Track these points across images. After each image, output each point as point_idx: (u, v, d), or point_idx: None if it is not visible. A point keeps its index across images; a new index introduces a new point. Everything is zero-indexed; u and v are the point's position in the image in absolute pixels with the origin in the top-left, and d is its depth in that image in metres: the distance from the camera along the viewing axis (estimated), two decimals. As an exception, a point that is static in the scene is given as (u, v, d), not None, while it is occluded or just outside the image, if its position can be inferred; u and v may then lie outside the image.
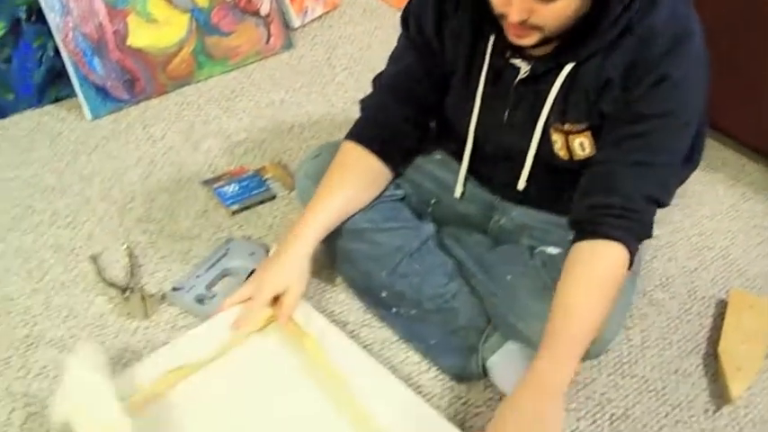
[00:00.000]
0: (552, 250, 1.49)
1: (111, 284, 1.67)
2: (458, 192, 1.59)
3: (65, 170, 2.00)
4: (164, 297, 1.65)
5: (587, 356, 1.48)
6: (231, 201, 1.88)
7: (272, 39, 2.44)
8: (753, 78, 1.99)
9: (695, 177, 1.99)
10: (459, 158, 1.56)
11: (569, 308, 1.29)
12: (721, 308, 1.71)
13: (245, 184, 1.93)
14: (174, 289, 1.64)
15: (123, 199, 1.91)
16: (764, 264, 1.85)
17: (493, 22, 1.30)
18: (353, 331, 1.60)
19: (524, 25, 1.22)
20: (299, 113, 2.25)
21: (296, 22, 2.57)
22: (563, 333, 1.28)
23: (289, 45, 2.51)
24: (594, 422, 1.48)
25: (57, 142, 2.10)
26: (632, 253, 1.32)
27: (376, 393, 1.37)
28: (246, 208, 1.88)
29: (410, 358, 1.56)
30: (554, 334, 1.28)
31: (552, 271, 1.39)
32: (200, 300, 1.61)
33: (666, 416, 1.50)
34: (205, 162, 2.04)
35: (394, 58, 1.57)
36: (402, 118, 1.54)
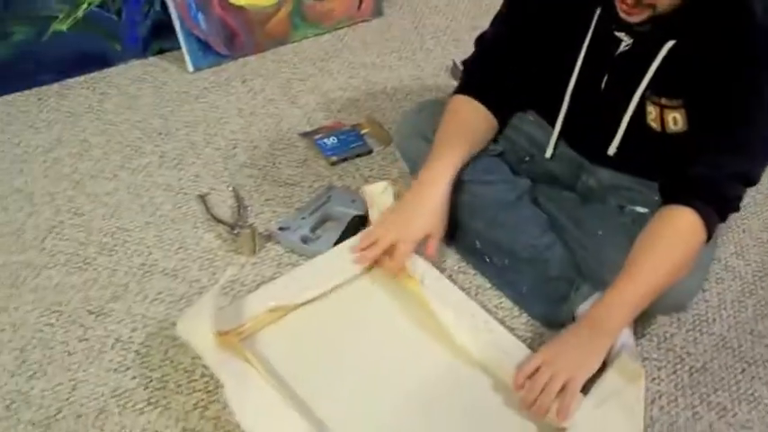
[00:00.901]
0: (641, 209, 1.54)
1: (220, 221, 1.74)
2: (549, 152, 1.63)
3: (169, 117, 2.09)
4: (270, 236, 1.72)
5: (669, 310, 1.57)
6: (331, 152, 1.95)
7: (363, 5, 2.51)
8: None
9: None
10: (553, 120, 1.61)
11: (636, 265, 1.36)
12: (796, 277, 1.76)
13: (343, 137, 1.99)
14: (281, 229, 1.70)
15: (227, 145, 1.99)
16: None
17: None
18: (450, 276, 1.65)
19: (638, 2, 1.27)
20: (390, 76, 2.31)
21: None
22: (625, 287, 1.36)
23: (379, 12, 2.57)
24: (675, 372, 1.53)
25: (161, 91, 2.19)
26: (710, 224, 1.37)
27: (473, 331, 1.46)
28: (344, 160, 1.95)
29: (503, 304, 1.61)
30: (617, 286, 1.36)
31: (641, 228, 1.43)
32: (304, 240, 1.68)
33: (743, 371, 1.55)
34: (303, 116, 2.11)
35: (498, 19, 1.61)
36: (504, 76, 1.59)
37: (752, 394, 1.52)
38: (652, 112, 1.44)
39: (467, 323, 1.48)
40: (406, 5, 2.67)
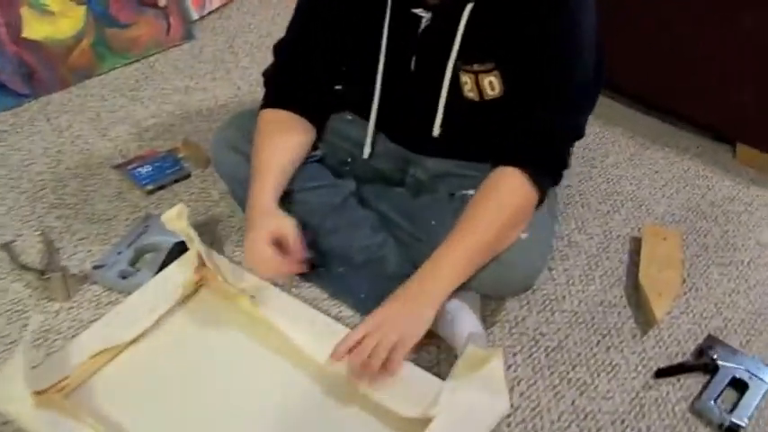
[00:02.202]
0: (471, 192, 1.46)
1: (28, 269, 1.55)
2: (366, 151, 1.54)
3: (-35, 166, 1.88)
4: (85, 277, 1.54)
5: (516, 291, 1.49)
6: (146, 181, 1.78)
7: (171, 30, 2.36)
8: (644, 34, 2.04)
9: (597, 132, 2.05)
10: (368, 116, 1.51)
11: (459, 229, 1.30)
12: (635, 244, 1.73)
13: (158, 164, 1.83)
14: (96, 267, 1.53)
15: (33, 188, 1.79)
16: (669, 203, 1.88)
17: None
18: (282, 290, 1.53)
19: None
20: (205, 98, 2.18)
21: (195, 14, 2.50)
22: (449, 250, 1.29)
23: (190, 36, 2.43)
24: (531, 356, 1.46)
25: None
26: (539, 182, 1.32)
27: (316, 338, 1.34)
28: (161, 187, 1.79)
29: (342, 313, 1.51)
30: (440, 250, 1.29)
31: None
32: (123, 275, 1.51)
33: (598, 344, 1.50)
34: (115, 148, 1.94)
35: (292, 24, 1.51)
36: (308, 79, 1.48)
37: (609, 364, 1.48)
38: (467, 81, 1.37)
39: (307, 331, 1.37)
40: (219, 26, 2.55)
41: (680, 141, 2.11)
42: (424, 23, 1.35)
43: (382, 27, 1.38)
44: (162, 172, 1.82)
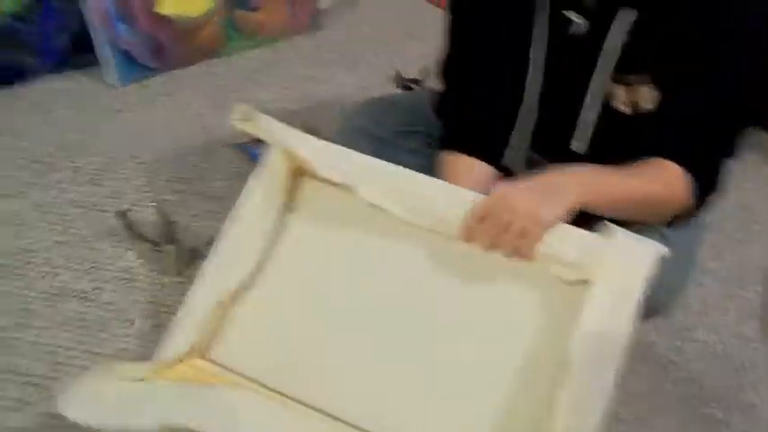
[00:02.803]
0: None
1: (143, 239, 1.52)
2: (508, 157, 1.42)
3: (88, 131, 1.86)
4: (199, 252, 1.50)
5: (650, 314, 1.37)
6: (264, 159, 1.75)
7: (299, 16, 2.32)
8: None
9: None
10: (507, 123, 1.37)
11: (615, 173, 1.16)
12: (772, 278, 1.60)
13: (277, 145, 1.79)
14: (210, 243, 1.50)
15: (151, 160, 1.77)
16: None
17: None
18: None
19: None
20: (329, 89, 2.13)
21: (324, 2, 2.47)
22: (600, 172, 1.14)
23: (316, 24, 2.39)
24: (660, 385, 1.35)
25: (79, 105, 1.96)
26: (697, 188, 1.19)
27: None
28: (280, 167, 1.75)
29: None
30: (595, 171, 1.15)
31: None
32: (237, 254, 1.47)
33: (732, 380, 1.38)
34: (234, 128, 1.91)
35: (454, 40, 1.38)
36: (486, 111, 1.35)
37: (746, 404, 1.34)
38: (621, 93, 1.26)
39: (427, 206, 1.13)
40: (346, 18, 2.51)
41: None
42: (575, 28, 1.24)
43: (531, 30, 1.28)
44: (280, 152, 1.77)
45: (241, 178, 1.68)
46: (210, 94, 2.05)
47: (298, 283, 1.17)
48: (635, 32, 1.19)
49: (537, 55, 1.29)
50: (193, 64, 2.15)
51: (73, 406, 1.00)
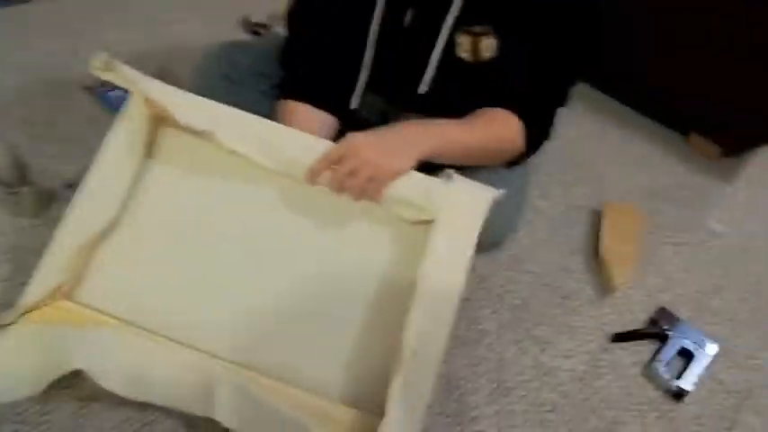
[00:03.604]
0: None
1: (-3, 181, 1.49)
2: (355, 102, 1.50)
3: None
4: (54, 194, 1.49)
5: (487, 247, 1.50)
6: (118, 105, 1.71)
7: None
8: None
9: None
10: (355, 66, 1.45)
11: (467, 120, 1.29)
12: (595, 217, 1.77)
13: (132, 90, 1.78)
14: (69, 186, 1.49)
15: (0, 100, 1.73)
16: (628, 181, 1.93)
17: None
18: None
19: None
20: (176, 31, 2.12)
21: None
22: (447, 123, 1.26)
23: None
24: (496, 311, 1.49)
25: None
26: (529, 136, 1.33)
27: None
28: (135, 113, 1.74)
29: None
30: (440, 121, 1.27)
31: None
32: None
33: (558, 306, 1.54)
34: (85, 69, 1.86)
35: None
36: (329, 62, 1.41)
37: (569, 326, 1.51)
38: (464, 42, 1.35)
39: (283, 152, 1.21)
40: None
41: (638, 124, 2.17)
42: None
43: None
44: (135, 98, 1.76)
45: (94, 121, 1.69)
46: (59, 33, 1.99)
47: (159, 226, 1.22)
48: None
49: (380, 4, 1.35)
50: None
51: None
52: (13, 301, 1.15)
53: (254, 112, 1.41)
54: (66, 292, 1.17)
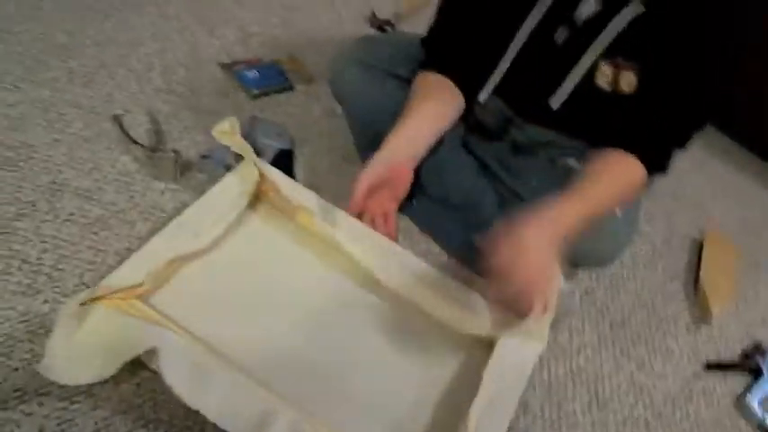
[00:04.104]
0: (573, 162, 1.50)
1: (139, 144, 1.57)
2: (483, 96, 1.53)
3: (76, 33, 1.86)
4: (191, 163, 1.57)
5: (598, 263, 1.54)
6: (252, 84, 1.80)
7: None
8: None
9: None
10: (491, 65, 1.49)
11: (583, 187, 1.30)
12: (694, 245, 1.81)
13: (264, 71, 1.85)
14: (204, 156, 1.56)
15: (142, 68, 1.80)
16: (727, 213, 1.97)
17: None
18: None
19: None
20: (306, 19, 2.19)
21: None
22: (575, 199, 1.27)
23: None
24: (597, 326, 1.54)
25: (65, 5, 1.95)
26: (649, 177, 1.36)
27: (374, 253, 1.36)
28: (266, 94, 1.81)
29: (432, 248, 1.56)
30: (571, 193, 1.28)
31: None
32: (228, 169, 1.54)
33: (657, 328, 1.58)
34: (221, 47, 1.95)
35: None
36: (468, 46, 1.46)
37: (665, 348, 1.54)
38: (606, 71, 1.39)
39: (367, 248, 1.37)
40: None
41: (741, 158, 2.19)
42: (588, 11, 1.35)
43: None
44: (268, 79, 1.84)
45: (228, 97, 1.77)
46: (195, 9, 2.07)
47: (244, 266, 1.34)
48: (636, 23, 1.30)
49: (536, 15, 1.38)
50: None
51: (54, 370, 1.07)
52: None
53: (389, 104, 1.49)
54: (141, 294, 1.21)
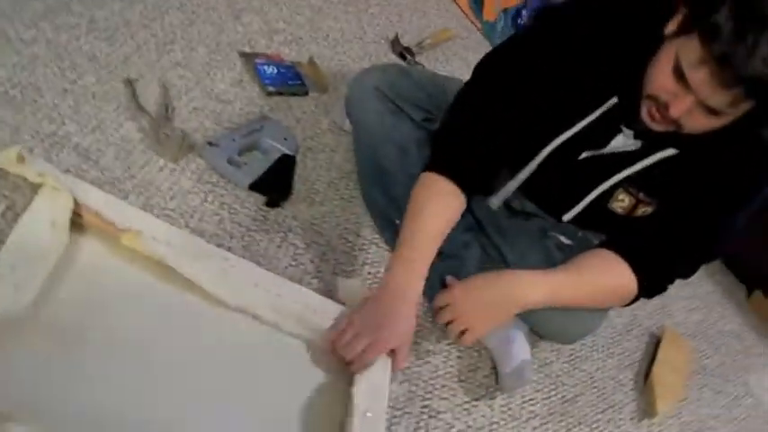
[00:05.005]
0: (565, 240, 1.52)
1: (147, 113, 1.53)
2: (496, 203, 1.54)
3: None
4: (193, 147, 1.53)
5: (564, 341, 1.57)
6: (269, 81, 1.78)
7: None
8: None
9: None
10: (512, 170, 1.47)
11: (573, 268, 1.32)
12: (653, 339, 1.85)
13: (283, 70, 1.83)
14: (210, 144, 1.54)
15: (164, 36, 1.75)
16: (687, 315, 2.02)
17: (625, 87, 1.24)
18: (363, 245, 1.57)
19: (672, 121, 1.16)
20: (334, 26, 2.18)
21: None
22: (557, 275, 1.31)
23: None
24: (549, 398, 1.56)
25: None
26: (639, 296, 1.35)
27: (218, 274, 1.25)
28: (280, 93, 1.79)
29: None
30: (554, 271, 1.31)
31: (564, 258, 1.40)
32: (230, 162, 1.52)
33: (603, 412, 1.61)
34: (244, 35, 1.93)
35: (510, 47, 1.38)
36: (485, 157, 1.36)
37: (607, 432, 1.57)
38: (624, 200, 1.37)
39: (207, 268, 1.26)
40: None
41: (709, 265, 2.24)
42: (621, 141, 1.33)
43: (583, 117, 1.33)
44: (285, 79, 1.81)
45: (241, 87, 1.75)
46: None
47: (69, 331, 1.11)
48: (665, 163, 1.30)
49: (574, 135, 1.35)
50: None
51: None
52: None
53: (397, 140, 1.49)
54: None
